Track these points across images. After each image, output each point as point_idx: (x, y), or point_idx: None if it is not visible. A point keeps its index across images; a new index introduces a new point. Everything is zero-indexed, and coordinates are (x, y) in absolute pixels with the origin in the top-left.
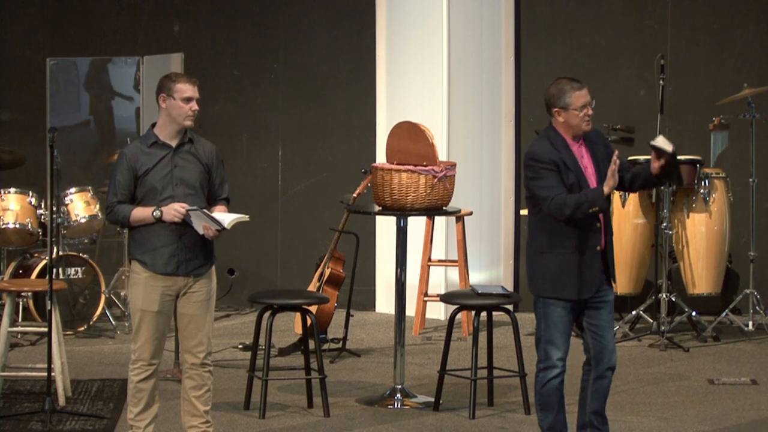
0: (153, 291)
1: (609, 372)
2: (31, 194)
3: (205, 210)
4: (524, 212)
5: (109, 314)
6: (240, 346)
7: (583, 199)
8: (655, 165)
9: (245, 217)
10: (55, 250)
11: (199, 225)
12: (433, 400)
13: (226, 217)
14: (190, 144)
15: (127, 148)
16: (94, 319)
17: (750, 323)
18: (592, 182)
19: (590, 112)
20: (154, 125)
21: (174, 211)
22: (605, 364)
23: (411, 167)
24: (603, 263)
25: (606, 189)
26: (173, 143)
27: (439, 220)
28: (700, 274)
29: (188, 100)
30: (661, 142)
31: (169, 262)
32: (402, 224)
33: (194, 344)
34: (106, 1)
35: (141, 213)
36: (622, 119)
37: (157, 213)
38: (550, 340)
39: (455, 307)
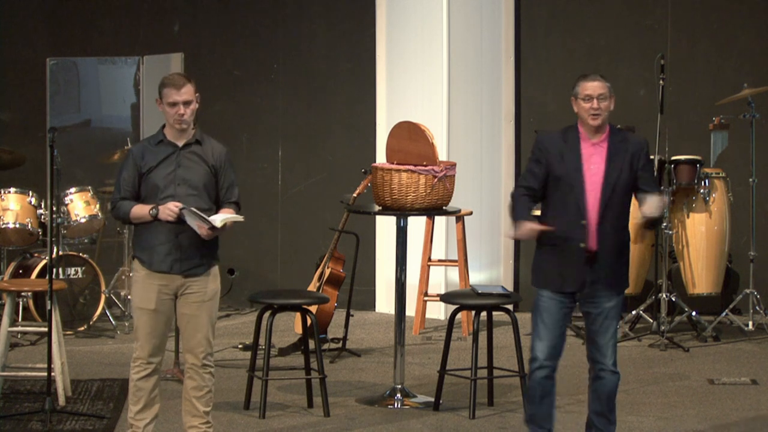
0: (150, 289)
1: (606, 374)
2: (31, 194)
3: (194, 209)
4: None
5: (109, 314)
6: (240, 346)
7: (512, 211)
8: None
9: (239, 218)
10: (55, 250)
11: (194, 224)
12: (433, 400)
13: (216, 217)
14: (197, 145)
15: (135, 146)
16: (94, 319)
17: (750, 323)
18: (590, 185)
19: (596, 105)
20: (164, 125)
21: (168, 210)
22: (599, 366)
23: (411, 167)
24: (591, 263)
25: (516, 233)
26: (179, 143)
27: (439, 220)
28: (700, 274)
29: (173, 104)
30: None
31: (165, 260)
32: (402, 224)
33: (194, 344)
34: (106, 1)
35: (140, 210)
36: (622, 119)
37: (153, 211)
38: (536, 333)
39: (455, 307)
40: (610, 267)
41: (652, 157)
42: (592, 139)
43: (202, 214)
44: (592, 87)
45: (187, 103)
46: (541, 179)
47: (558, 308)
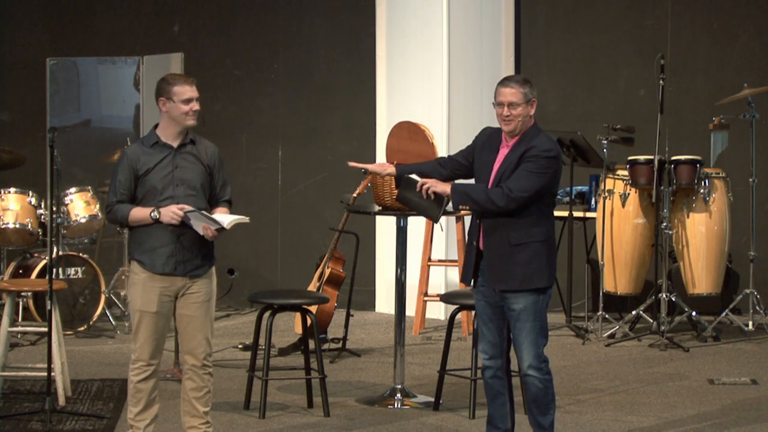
0: (151, 291)
1: (526, 377)
2: (31, 194)
3: (203, 211)
4: None
5: (109, 314)
6: (240, 346)
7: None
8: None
9: (245, 219)
10: (55, 250)
11: (199, 225)
12: (433, 400)
13: (225, 218)
14: (191, 145)
15: (128, 148)
16: (94, 319)
17: (750, 323)
18: (490, 179)
19: (505, 112)
20: (156, 126)
21: (172, 213)
22: (521, 370)
23: None
24: (479, 260)
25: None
26: (175, 144)
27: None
28: (700, 274)
29: (188, 101)
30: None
31: (167, 262)
32: (402, 224)
33: (194, 345)
34: (106, 1)
35: (139, 213)
36: (622, 119)
37: (155, 214)
38: (479, 332)
39: (455, 307)
40: (497, 267)
41: (651, 157)
42: (508, 142)
43: (212, 216)
44: (503, 93)
45: (198, 100)
46: (461, 162)
47: (483, 305)
